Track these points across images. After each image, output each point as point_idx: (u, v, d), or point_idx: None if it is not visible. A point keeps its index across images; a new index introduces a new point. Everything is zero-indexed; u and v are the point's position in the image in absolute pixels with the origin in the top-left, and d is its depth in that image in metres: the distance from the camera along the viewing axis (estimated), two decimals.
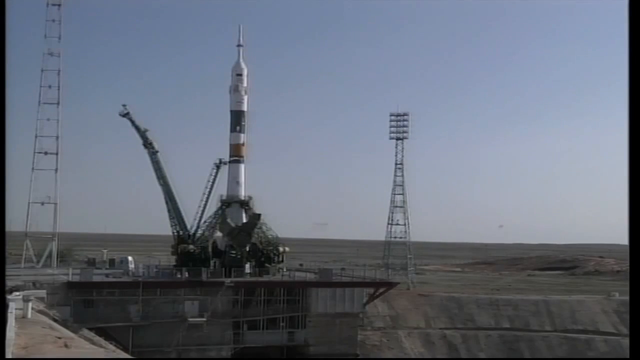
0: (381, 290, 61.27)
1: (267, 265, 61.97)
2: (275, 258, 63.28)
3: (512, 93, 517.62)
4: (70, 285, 50.98)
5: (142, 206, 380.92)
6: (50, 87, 70.33)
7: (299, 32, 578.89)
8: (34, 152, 70.20)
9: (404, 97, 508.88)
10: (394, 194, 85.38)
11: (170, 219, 65.04)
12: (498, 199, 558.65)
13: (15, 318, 22.87)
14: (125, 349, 44.50)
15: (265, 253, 62.65)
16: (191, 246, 62.02)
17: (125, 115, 64.69)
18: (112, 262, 70.32)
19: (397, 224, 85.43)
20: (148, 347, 49.92)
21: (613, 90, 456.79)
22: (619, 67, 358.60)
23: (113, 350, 34.71)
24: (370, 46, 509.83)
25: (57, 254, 72.55)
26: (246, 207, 64.31)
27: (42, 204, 70.34)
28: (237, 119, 65.13)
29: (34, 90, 71.02)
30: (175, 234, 64.81)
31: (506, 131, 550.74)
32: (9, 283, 42.21)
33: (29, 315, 27.29)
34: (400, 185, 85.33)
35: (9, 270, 49.98)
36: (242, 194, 64.92)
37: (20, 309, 26.50)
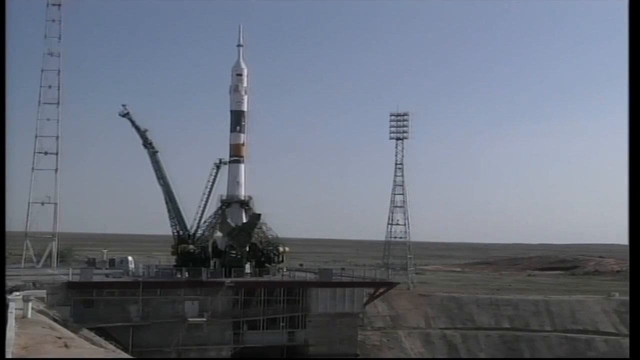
0: (381, 290, 61.25)
1: (267, 265, 61.94)
2: (275, 258, 63.25)
3: (513, 93, 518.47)
4: (70, 285, 50.94)
5: (142, 206, 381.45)
6: (50, 87, 70.27)
7: (299, 32, 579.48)
8: (34, 152, 70.19)
9: (404, 97, 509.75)
10: (394, 194, 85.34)
11: (170, 219, 65.01)
12: (498, 199, 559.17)
13: (15, 318, 22.89)
14: (125, 349, 44.52)
15: (265, 253, 62.62)
16: (191, 246, 61.99)
17: (125, 115, 64.66)
18: (112, 262, 70.25)
19: (397, 224, 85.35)
20: (148, 347, 49.87)
21: (613, 90, 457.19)
22: (619, 68, 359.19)
23: (113, 350, 34.74)
24: (370, 46, 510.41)
25: (57, 254, 72.49)
26: (246, 207, 64.27)
27: (42, 204, 70.27)
28: (237, 119, 65.09)
29: (34, 90, 71.09)
30: (175, 234, 64.77)
31: (506, 131, 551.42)
32: (9, 283, 42.22)
33: (29, 315, 27.30)
34: (400, 185, 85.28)
35: (9, 270, 50.00)
36: (242, 194, 64.87)
37: (20, 309, 26.52)
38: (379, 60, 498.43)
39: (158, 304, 52.41)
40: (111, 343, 41.39)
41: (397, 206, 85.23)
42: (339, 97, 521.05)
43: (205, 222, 64.50)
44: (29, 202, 70.04)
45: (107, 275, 58.90)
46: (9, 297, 28.22)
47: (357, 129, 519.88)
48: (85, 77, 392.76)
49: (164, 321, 51.70)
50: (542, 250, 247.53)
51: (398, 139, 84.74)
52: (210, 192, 65.34)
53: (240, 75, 65.29)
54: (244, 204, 64.40)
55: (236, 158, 65.03)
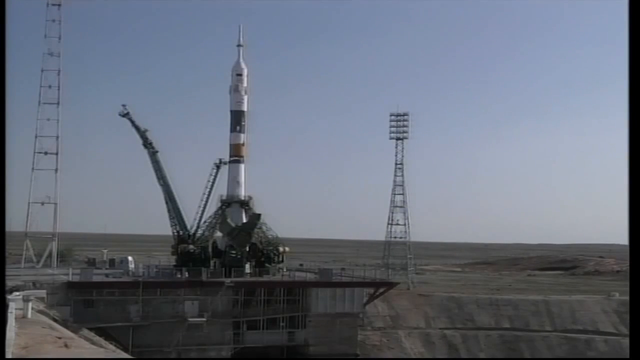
0: (381, 290, 61.24)
1: (267, 265, 61.96)
2: (275, 258, 63.26)
3: (513, 93, 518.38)
4: (70, 285, 50.95)
5: (142, 206, 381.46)
6: (50, 87, 70.23)
7: (299, 32, 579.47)
8: (34, 152, 70.13)
9: (404, 97, 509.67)
10: (394, 194, 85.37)
11: (170, 219, 65.03)
12: (498, 199, 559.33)
13: (15, 318, 22.86)
14: (125, 349, 44.51)
15: (265, 253, 62.64)
16: (191, 246, 61.99)
17: (125, 115, 64.67)
18: (112, 262, 70.27)
19: (397, 224, 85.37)
20: (148, 347, 49.91)
21: (613, 90, 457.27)
22: (619, 67, 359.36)
23: (113, 350, 34.74)
24: (370, 46, 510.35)
25: (57, 254, 72.47)
26: (246, 207, 64.31)
27: (42, 204, 70.24)
28: (237, 119, 65.13)
29: (34, 90, 71.07)
30: (175, 234, 64.79)
31: (506, 131, 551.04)
32: (9, 283, 42.21)
33: (29, 315, 27.27)
34: (400, 185, 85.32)
35: (9, 270, 50.01)
36: (242, 194, 64.91)
37: (20, 309, 26.48)
38: (379, 60, 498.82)
39: (158, 304, 52.42)
40: (111, 343, 41.39)
41: (397, 206, 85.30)
42: (338, 97, 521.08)
43: (205, 222, 64.57)
44: (29, 202, 70.07)
45: (107, 275, 58.88)
46: (9, 297, 28.19)
47: (357, 129, 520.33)
48: (85, 77, 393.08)
49: (164, 321, 51.71)
50: (542, 250, 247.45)
51: (398, 139, 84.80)
52: (210, 192, 65.46)
53: (240, 75, 65.34)
54: (244, 204, 64.44)
55: (236, 158, 65.07)
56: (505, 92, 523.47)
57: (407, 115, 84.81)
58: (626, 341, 56.92)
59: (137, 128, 64.83)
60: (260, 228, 63.07)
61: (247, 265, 60.35)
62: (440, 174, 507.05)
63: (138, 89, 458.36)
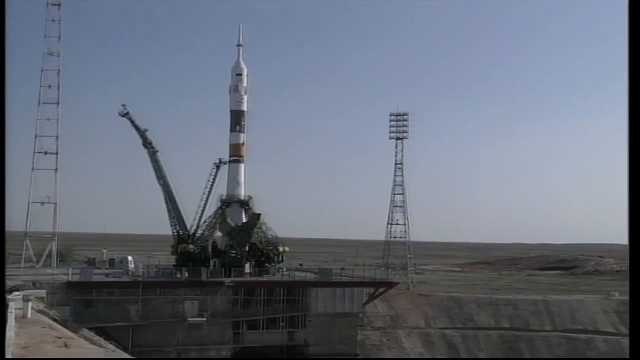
0: (381, 290, 61.23)
1: (267, 265, 61.94)
2: (275, 258, 63.24)
3: (513, 93, 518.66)
4: (70, 285, 50.94)
5: (142, 206, 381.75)
6: (50, 87, 70.27)
7: (299, 33, 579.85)
8: (34, 152, 70.20)
9: (404, 97, 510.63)
10: (394, 194, 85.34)
11: (170, 219, 64.98)
12: (498, 199, 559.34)
13: (15, 318, 22.84)
14: (125, 349, 44.46)
15: (265, 253, 62.61)
16: (191, 246, 61.98)
17: (125, 115, 64.64)
18: (112, 262, 70.24)
19: (397, 224, 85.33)
20: (148, 347, 49.89)
21: (613, 90, 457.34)
22: (619, 68, 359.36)
23: (113, 350, 34.70)
24: (370, 47, 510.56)
25: (57, 254, 72.47)
26: (246, 207, 64.29)
27: (42, 204, 70.28)
28: (237, 119, 65.12)
29: (34, 90, 71.10)
30: (175, 234, 64.75)
31: (506, 131, 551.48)
32: (9, 283, 42.19)
33: (29, 315, 27.26)
34: (400, 185, 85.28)
35: (9, 270, 49.97)
36: (242, 194, 64.90)
37: (20, 309, 26.46)
38: (379, 60, 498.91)
39: (158, 304, 52.39)
40: (111, 343, 41.31)
41: (397, 206, 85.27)
42: (339, 97, 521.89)
43: (205, 222, 64.51)
44: (29, 202, 70.11)
45: (107, 275, 58.88)
46: (9, 297, 28.17)
47: (357, 129, 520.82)
48: (85, 77, 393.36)
49: (164, 321, 51.68)
50: (542, 250, 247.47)
51: (398, 139, 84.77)
52: (210, 192, 65.39)
53: (240, 75, 65.33)
54: (244, 204, 64.42)
55: (236, 158, 65.06)
56: (505, 93, 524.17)
57: (407, 115, 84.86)
58: (626, 341, 56.90)
59: (137, 128, 64.79)
60: (260, 228, 63.04)
61: (247, 265, 60.30)
62: (440, 174, 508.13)
63: (138, 89, 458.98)
